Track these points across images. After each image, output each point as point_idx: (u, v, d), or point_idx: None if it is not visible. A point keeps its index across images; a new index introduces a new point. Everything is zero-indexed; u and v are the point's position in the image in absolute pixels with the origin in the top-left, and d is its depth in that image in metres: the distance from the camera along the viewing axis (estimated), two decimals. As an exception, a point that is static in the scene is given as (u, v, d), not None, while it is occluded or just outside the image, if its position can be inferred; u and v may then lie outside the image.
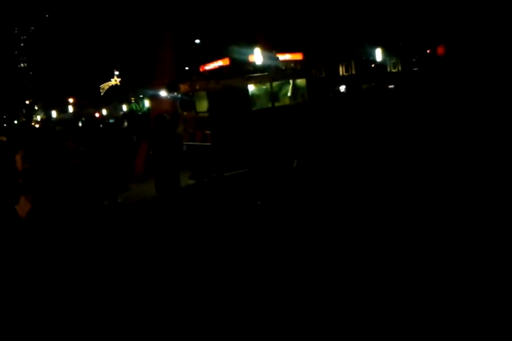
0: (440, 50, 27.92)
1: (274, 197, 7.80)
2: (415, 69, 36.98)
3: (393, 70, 43.42)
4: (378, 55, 33.36)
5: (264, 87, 11.35)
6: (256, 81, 11.20)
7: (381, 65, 38.68)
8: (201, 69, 15.43)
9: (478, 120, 9.93)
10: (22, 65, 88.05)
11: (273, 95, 11.24)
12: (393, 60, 43.11)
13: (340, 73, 43.14)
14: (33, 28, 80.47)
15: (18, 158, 7.47)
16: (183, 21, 37.76)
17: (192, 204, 8.33)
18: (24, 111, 78.55)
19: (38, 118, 67.61)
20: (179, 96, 11.84)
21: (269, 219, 6.69)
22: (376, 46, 32.68)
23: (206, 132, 10.37)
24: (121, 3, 48.97)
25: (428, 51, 30.03)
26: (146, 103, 41.83)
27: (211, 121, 10.33)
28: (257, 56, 17.87)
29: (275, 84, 11.46)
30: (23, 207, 6.64)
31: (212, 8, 38.32)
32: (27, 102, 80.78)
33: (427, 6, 33.11)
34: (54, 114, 57.76)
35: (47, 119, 52.63)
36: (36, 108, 77.48)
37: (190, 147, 10.64)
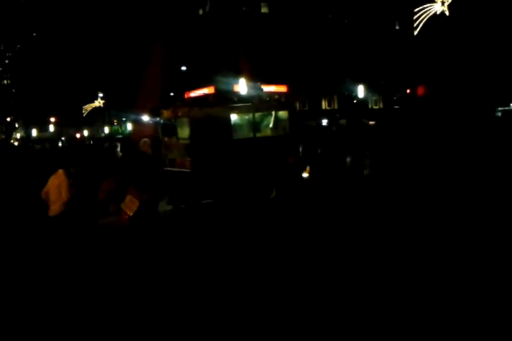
0: (420, 90, 28.83)
1: (251, 227, 7.77)
2: (396, 107, 37.97)
3: (375, 107, 44.50)
4: (360, 91, 34.26)
5: (246, 117, 11.45)
6: (239, 111, 11.30)
7: (363, 102, 39.62)
8: (186, 96, 15.65)
9: (453, 157, 10.37)
10: (5, 81, 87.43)
11: (255, 125, 11.34)
12: (375, 97, 44.26)
13: (323, 107, 44.00)
14: (19, 46, 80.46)
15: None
16: (169, 48, 38.43)
17: (167, 230, 8.23)
18: (4, 128, 77.57)
19: (18, 136, 66.76)
20: (161, 121, 11.87)
21: (246, 248, 6.64)
22: (359, 83, 33.59)
23: (186, 159, 10.37)
24: (108, 26, 49.61)
25: (408, 91, 30.95)
26: (129, 126, 41.81)
27: (192, 148, 10.34)
28: (242, 86, 18.13)
29: (258, 114, 11.57)
30: None
31: (199, 37, 39.05)
32: (8, 119, 79.90)
33: (409, 47, 34.33)
34: (34, 132, 57.16)
35: (26, 138, 52.05)
36: (17, 125, 76.63)
37: (169, 173, 10.60)
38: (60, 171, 6.48)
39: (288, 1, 39.67)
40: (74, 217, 6.68)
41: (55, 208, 6.41)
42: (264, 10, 41.73)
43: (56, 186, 6.40)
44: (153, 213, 7.22)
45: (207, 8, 41.32)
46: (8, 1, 74.41)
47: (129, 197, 6.42)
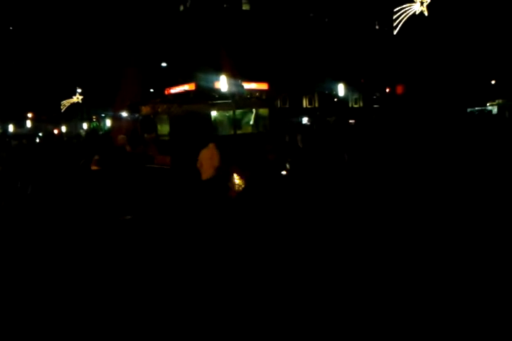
0: (399, 89, 29.17)
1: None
2: (376, 106, 38.36)
3: (355, 106, 44.88)
4: (341, 90, 34.55)
5: (227, 114, 11.44)
6: (220, 108, 11.28)
7: (343, 100, 39.93)
8: (166, 92, 15.58)
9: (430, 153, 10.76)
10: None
11: (235, 122, 11.33)
12: (355, 96, 44.64)
13: (304, 105, 44.17)
14: (-5, 40, 78.84)
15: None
16: (149, 44, 38.09)
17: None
18: (-22, 123, 75.95)
19: (-7, 131, 65.38)
20: (141, 118, 11.78)
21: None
22: (339, 82, 33.85)
23: (166, 156, 10.30)
24: (87, 21, 48.93)
25: (387, 89, 31.28)
26: (107, 122, 41.34)
27: (171, 144, 10.28)
28: (223, 83, 18.12)
29: (238, 111, 11.57)
30: None
31: (180, 33, 38.78)
32: (-18, 114, 78.25)
33: (388, 46, 34.67)
34: (11, 128, 56.07)
35: (3, 133, 51.01)
36: (-8, 121, 75.09)
37: (149, 169, 10.52)
38: (211, 145, 7.86)
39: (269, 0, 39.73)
40: (221, 180, 7.83)
41: (208, 173, 7.71)
42: (245, 7, 41.63)
43: (209, 157, 7.73)
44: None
45: (188, 4, 41.04)
46: (-17, -7, 72.69)
47: (234, 177, 7.73)
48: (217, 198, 7.52)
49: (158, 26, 40.06)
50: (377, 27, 44.78)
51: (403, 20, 32.55)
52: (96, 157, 8.36)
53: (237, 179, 7.64)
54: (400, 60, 32.58)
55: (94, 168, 8.25)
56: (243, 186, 7.48)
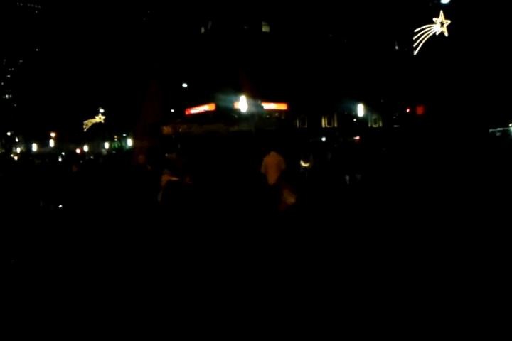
0: (419, 110, 29.01)
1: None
2: (395, 126, 38.18)
3: (374, 126, 44.73)
4: (360, 110, 34.50)
5: (247, 134, 11.52)
6: (239, 128, 11.37)
7: (362, 120, 39.84)
8: (187, 113, 15.75)
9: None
10: (7, 96, 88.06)
11: (255, 142, 11.38)
12: (374, 116, 44.53)
13: (323, 125, 44.16)
14: (21, 61, 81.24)
15: None
16: (171, 65, 38.76)
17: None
18: (3, 141, 77.77)
19: (18, 150, 66.87)
20: (162, 137, 11.92)
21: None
22: (358, 102, 33.84)
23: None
24: (110, 42, 50.19)
25: (408, 110, 31.14)
26: (129, 142, 41.93)
27: (191, 164, 10.35)
28: (242, 103, 18.26)
29: (258, 131, 11.64)
30: None
31: (200, 54, 39.44)
32: (8, 134, 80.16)
33: (408, 67, 34.66)
34: (34, 147, 57.32)
35: (27, 152, 52.08)
36: (17, 140, 76.88)
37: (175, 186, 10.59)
38: (272, 152, 8.61)
39: (289, 21, 40.21)
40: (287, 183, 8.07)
41: (275, 177, 8.27)
42: (265, 29, 42.24)
43: (275, 163, 8.48)
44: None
45: (208, 26, 41.83)
46: (11, 17, 75.29)
47: (286, 191, 7.85)
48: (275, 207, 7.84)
49: (179, 48, 40.84)
50: (396, 47, 44.91)
51: (423, 41, 32.52)
52: (118, 176, 8.46)
53: (288, 193, 7.90)
54: (420, 80, 32.48)
55: (115, 186, 8.34)
56: (294, 201, 7.65)
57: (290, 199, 7.59)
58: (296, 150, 11.59)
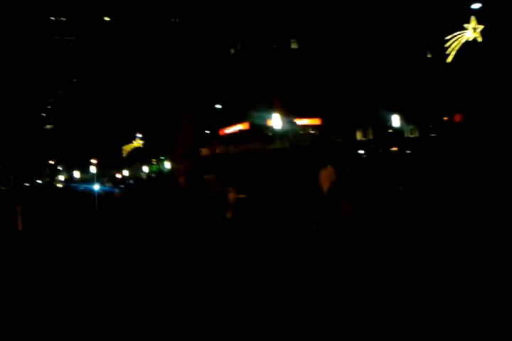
0: (457, 118, 28.38)
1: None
2: (432, 135, 37.41)
3: (410, 136, 43.98)
4: (395, 121, 34.03)
5: (283, 151, 11.50)
6: (275, 145, 11.38)
7: (398, 131, 39.26)
8: (221, 133, 15.94)
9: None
10: (48, 126, 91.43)
11: (291, 160, 11.35)
12: (411, 126, 43.82)
13: (358, 138, 43.78)
14: (60, 92, 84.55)
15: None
16: (204, 88, 39.50)
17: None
18: (48, 170, 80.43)
19: (61, 178, 68.99)
20: (200, 159, 12.05)
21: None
22: (393, 113, 33.41)
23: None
24: (144, 70, 51.61)
25: (445, 118, 30.50)
26: (166, 165, 42.64)
27: (231, 184, 10.39)
28: (276, 121, 18.34)
29: (294, 148, 11.61)
30: None
31: (231, 74, 40.04)
32: (51, 162, 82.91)
33: (443, 75, 34.12)
34: (76, 174, 59.07)
35: (69, 179, 53.76)
36: (60, 168, 79.40)
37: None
38: (329, 166, 8.38)
39: (317, 36, 40.44)
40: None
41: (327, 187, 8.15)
42: (293, 46, 42.62)
43: (328, 175, 8.26)
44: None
45: (238, 47, 42.53)
46: (49, 50, 78.74)
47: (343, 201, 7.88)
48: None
49: (210, 70, 41.64)
50: (428, 55, 44.30)
51: (456, 48, 32.02)
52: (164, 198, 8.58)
53: (345, 203, 7.93)
54: (456, 88, 31.86)
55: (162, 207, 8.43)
56: (351, 210, 7.62)
57: (348, 208, 7.58)
58: (336, 163, 11.51)
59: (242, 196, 7.29)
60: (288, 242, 6.79)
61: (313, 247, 6.68)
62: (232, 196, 7.37)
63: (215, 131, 39.80)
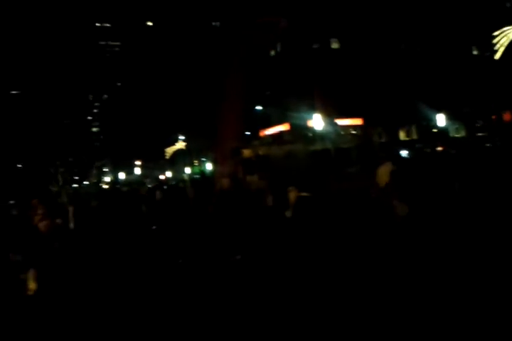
0: (507, 116, 27.39)
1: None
2: (480, 134, 36.24)
3: (456, 135, 42.73)
4: (440, 120, 33.13)
5: (324, 152, 11.45)
6: (316, 147, 11.34)
7: (443, 130, 38.23)
8: (261, 134, 15.99)
9: None
10: (94, 129, 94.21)
11: (334, 161, 11.28)
12: (456, 126, 42.58)
13: (401, 138, 42.93)
14: (105, 96, 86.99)
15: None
16: (246, 89, 39.52)
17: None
18: (95, 172, 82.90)
19: (107, 179, 70.95)
20: (242, 160, 12.14)
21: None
22: (438, 111, 32.53)
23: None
24: (186, 72, 52.38)
25: (493, 117, 29.50)
26: (208, 166, 43.11)
27: (273, 186, 10.44)
28: (317, 121, 18.22)
29: (336, 149, 11.53)
30: None
31: (272, 76, 40.07)
32: (98, 164, 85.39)
33: (490, 72, 33.03)
34: (122, 175, 60.58)
35: (115, 181, 55.27)
36: (106, 169, 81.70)
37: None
38: (389, 162, 8.00)
39: (358, 35, 39.91)
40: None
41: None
42: (334, 46, 42.23)
43: (387, 171, 7.84)
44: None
45: (278, 49, 42.53)
46: (95, 55, 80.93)
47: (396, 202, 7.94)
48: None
49: (250, 72, 41.78)
50: (475, 52, 42.91)
51: (505, 44, 30.89)
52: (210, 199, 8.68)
53: (399, 204, 7.66)
54: (505, 85, 30.74)
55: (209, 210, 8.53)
56: (407, 211, 7.33)
57: (403, 209, 7.29)
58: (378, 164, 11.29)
59: (305, 194, 7.28)
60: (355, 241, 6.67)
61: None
62: (293, 195, 7.36)
63: (255, 132, 39.96)
